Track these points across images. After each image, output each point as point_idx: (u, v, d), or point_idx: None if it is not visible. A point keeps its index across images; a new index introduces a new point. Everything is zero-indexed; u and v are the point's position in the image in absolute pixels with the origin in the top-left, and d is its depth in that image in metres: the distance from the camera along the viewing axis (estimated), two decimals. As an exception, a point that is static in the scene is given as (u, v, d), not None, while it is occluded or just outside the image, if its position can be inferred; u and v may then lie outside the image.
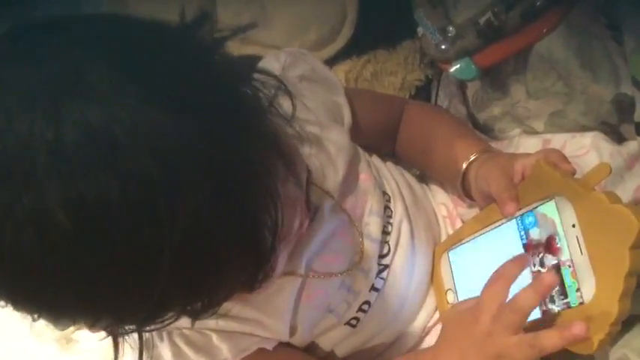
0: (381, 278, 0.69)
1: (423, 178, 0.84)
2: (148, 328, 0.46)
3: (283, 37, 0.93)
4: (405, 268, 0.71)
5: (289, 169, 0.47)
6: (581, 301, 0.56)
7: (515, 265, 0.57)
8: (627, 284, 0.52)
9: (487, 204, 0.68)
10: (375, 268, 0.68)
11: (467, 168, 0.71)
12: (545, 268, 0.60)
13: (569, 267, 0.58)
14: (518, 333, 0.54)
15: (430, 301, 0.73)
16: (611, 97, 0.75)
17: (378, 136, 0.80)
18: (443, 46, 0.79)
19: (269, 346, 0.64)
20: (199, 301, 0.44)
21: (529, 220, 0.62)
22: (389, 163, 0.80)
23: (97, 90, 0.38)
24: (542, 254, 0.60)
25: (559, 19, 0.75)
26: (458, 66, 0.79)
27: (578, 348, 0.55)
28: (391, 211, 0.71)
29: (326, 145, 0.67)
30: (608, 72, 0.75)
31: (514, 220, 0.64)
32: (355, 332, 0.69)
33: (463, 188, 0.72)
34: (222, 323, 0.60)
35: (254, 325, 0.62)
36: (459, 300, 0.69)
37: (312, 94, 0.70)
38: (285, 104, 0.51)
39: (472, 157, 0.71)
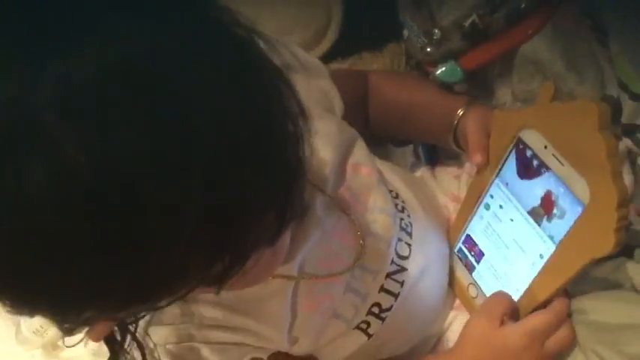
0: (397, 281, 0.66)
1: (423, 181, 0.84)
2: (164, 302, 0.38)
3: (268, 40, 0.93)
4: (427, 270, 0.69)
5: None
6: (583, 206, 0.57)
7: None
8: (613, 164, 0.54)
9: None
10: (385, 269, 0.65)
11: (457, 123, 0.73)
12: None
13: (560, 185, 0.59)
14: None
15: (446, 307, 0.73)
16: (597, 99, 0.75)
17: (352, 114, 0.76)
18: (428, 49, 0.79)
19: (264, 355, 0.62)
20: (223, 259, 0.36)
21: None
22: (392, 165, 0.78)
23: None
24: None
25: (544, 21, 0.75)
26: (443, 69, 0.79)
27: (597, 249, 0.55)
28: (408, 212, 0.69)
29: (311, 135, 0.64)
30: (593, 74, 0.75)
31: (497, 181, 0.66)
32: (370, 342, 0.66)
33: (455, 141, 0.74)
34: (210, 334, 0.58)
35: (244, 334, 0.59)
36: (483, 290, 0.70)
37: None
38: None
39: (460, 112, 0.72)
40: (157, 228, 0.32)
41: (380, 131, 0.82)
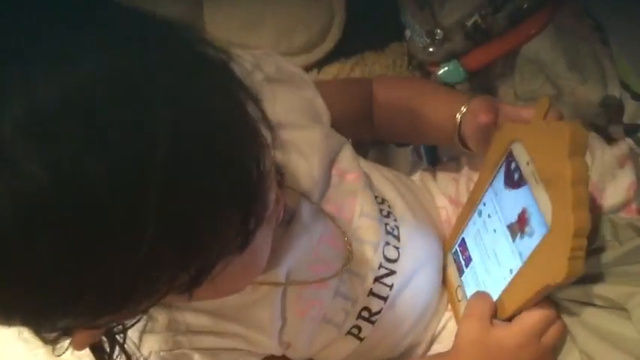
0: (386, 284, 0.66)
1: (422, 182, 0.83)
2: (137, 309, 0.39)
3: (270, 40, 0.93)
4: (417, 272, 0.69)
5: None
6: (547, 229, 0.56)
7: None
8: (576, 193, 0.52)
9: (482, 148, 0.69)
10: (373, 273, 0.65)
11: (461, 119, 0.70)
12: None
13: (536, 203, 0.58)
14: None
15: (441, 308, 0.73)
16: (600, 100, 0.75)
17: (357, 122, 0.77)
18: (430, 49, 0.79)
19: (256, 359, 0.63)
20: (191, 266, 0.38)
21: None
22: (382, 168, 0.78)
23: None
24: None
25: (546, 21, 0.75)
26: (446, 69, 0.79)
27: (551, 275, 0.54)
28: (395, 216, 0.69)
29: (295, 145, 0.64)
30: (595, 74, 0.75)
31: (490, 190, 0.65)
32: (363, 344, 0.66)
33: (460, 141, 0.72)
34: (199, 341, 0.58)
35: (234, 339, 0.60)
36: (467, 295, 0.69)
37: (278, 96, 0.66)
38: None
39: (464, 109, 0.70)
40: (117, 240, 0.33)
41: (386, 136, 0.82)
